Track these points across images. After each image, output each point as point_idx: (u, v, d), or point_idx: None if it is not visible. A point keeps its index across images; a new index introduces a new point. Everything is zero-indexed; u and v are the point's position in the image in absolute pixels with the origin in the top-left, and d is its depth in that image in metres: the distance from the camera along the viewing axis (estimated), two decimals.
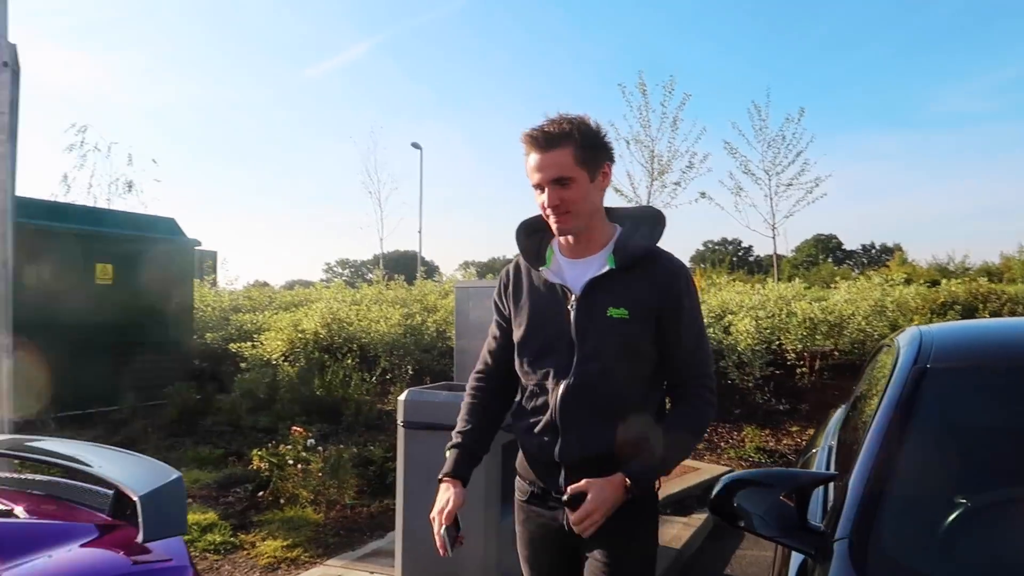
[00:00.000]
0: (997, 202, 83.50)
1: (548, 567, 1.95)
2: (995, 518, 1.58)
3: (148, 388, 8.45)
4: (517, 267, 2.00)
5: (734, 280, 13.34)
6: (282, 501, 4.91)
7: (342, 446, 5.82)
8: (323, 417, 7.74)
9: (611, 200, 2.18)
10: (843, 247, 62.22)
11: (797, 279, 11.34)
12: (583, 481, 1.73)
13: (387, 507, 4.88)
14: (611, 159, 1.85)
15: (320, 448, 5.35)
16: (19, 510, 1.82)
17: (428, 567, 3.33)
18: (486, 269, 32.51)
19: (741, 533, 4.23)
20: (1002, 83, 79.16)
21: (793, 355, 8.18)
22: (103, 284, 8.55)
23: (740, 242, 60.12)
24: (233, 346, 9.70)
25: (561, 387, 1.81)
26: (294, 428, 5.28)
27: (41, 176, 39.18)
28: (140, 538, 1.69)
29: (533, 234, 1.96)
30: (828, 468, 2.44)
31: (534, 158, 1.79)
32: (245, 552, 4.23)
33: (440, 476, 1.92)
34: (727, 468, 6.25)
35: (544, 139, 1.77)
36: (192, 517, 4.57)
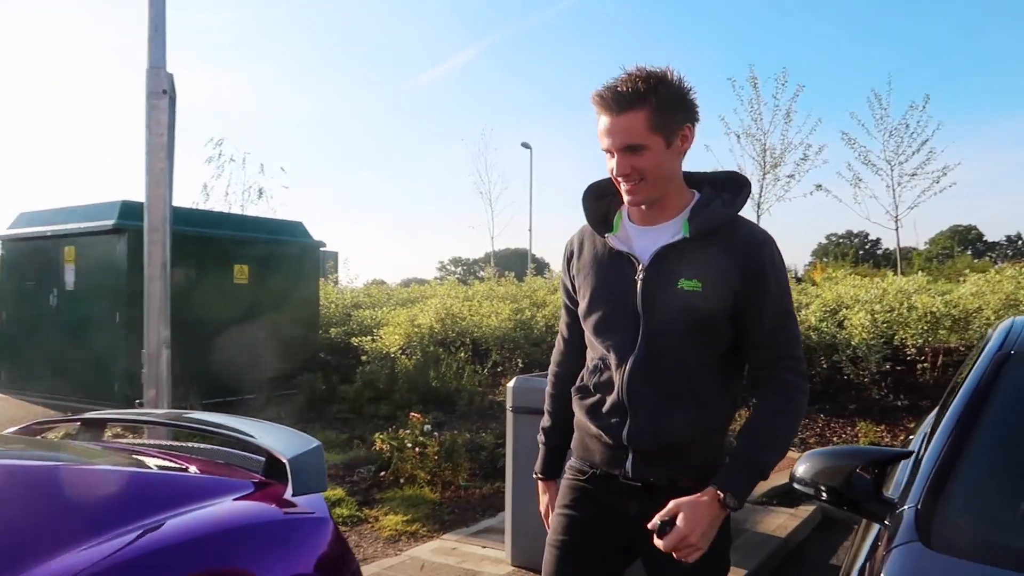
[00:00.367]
0: None
1: (587, 559, 1.75)
2: None
3: (280, 379, 9.11)
4: (582, 235, 1.82)
5: (852, 274, 12.86)
6: (402, 481, 5.29)
7: (456, 432, 6.16)
8: (438, 406, 8.17)
9: None
10: (984, 239, 57.98)
11: (920, 272, 10.84)
12: (671, 503, 1.53)
13: (498, 489, 5.14)
14: (693, 120, 1.64)
15: (436, 434, 5.71)
16: (192, 468, 2.18)
17: (535, 543, 3.56)
18: None
19: (849, 526, 4.22)
20: None
21: (913, 350, 7.87)
22: (240, 283, 9.27)
23: (867, 235, 57.20)
24: (355, 340, 10.16)
25: (628, 364, 1.65)
26: (412, 414, 5.64)
27: (181, 185, 42.33)
28: (288, 493, 2.02)
29: (601, 198, 1.78)
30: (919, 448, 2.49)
31: (604, 121, 1.59)
32: (369, 525, 4.61)
33: (534, 474, 1.96)
34: None
35: (615, 101, 1.56)
36: None
